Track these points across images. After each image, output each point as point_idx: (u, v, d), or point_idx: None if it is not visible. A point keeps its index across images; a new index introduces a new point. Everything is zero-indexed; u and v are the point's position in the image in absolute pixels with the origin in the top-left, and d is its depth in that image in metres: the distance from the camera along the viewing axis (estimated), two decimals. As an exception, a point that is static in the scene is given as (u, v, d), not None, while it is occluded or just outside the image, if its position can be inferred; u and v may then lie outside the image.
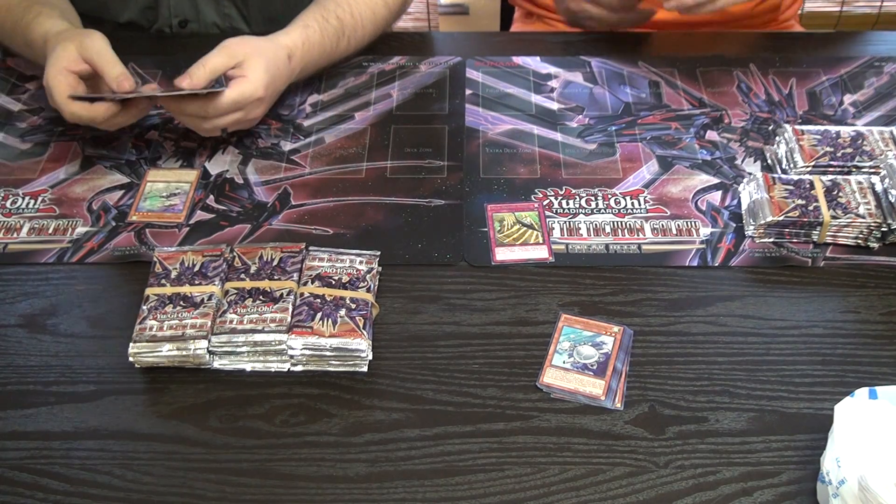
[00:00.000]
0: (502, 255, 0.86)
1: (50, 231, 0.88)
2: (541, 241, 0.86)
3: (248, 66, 0.91)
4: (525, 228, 0.88)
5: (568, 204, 0.90)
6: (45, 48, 0.93)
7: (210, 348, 0.73)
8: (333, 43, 1.03)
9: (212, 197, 0.92)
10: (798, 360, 0.75)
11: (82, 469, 0.68)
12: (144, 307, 0.76)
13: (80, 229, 0.88)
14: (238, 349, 0.74)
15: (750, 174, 0.91)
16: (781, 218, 0.83)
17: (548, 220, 0.88)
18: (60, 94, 0.88)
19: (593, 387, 0.73)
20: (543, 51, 1.12)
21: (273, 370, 0.75)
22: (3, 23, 1.02)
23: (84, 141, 0.98)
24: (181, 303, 0.76)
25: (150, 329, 0.74)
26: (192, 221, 0.89)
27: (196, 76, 0.88)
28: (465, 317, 0.79)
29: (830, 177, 0.87)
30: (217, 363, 0.75)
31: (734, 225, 0.87)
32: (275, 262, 0.79)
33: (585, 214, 0.88)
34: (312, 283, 0.77)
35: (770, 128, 0.99)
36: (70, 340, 0.78)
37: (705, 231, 0.87)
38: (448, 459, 0.69)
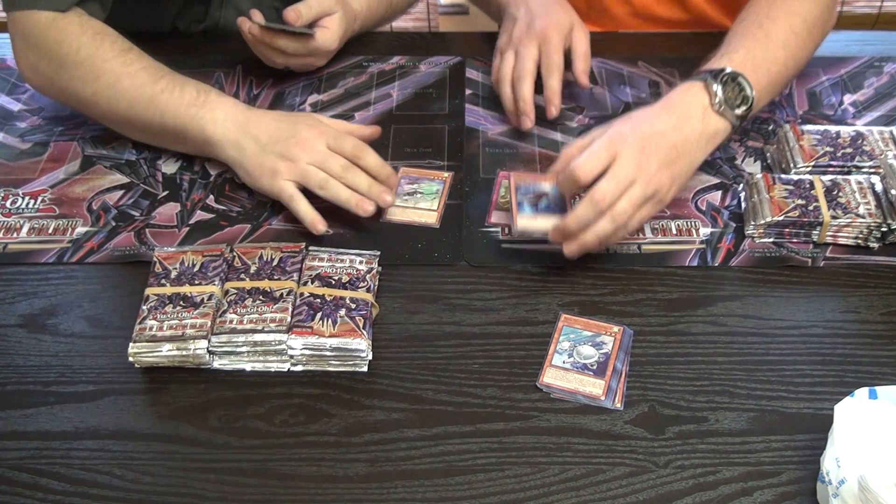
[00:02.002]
0: (497, 218, 0.89)
1: (50, 231, 0.88)
2: None
3: (333, 20, 0.99)
4: None
5: (568, 204, 0.89)
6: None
7: (210, 348, 0.73)
8: (382, 12, 1.12)
9: (212, 197, 0.91)
10: (798, 360, 0.75)
11: (82, 469, 0.68)
12: (144, 307, 0.76)
13: (80, 229, 0.88)
14: (238, 349, 0.74)
15: (750, 174, 0.91)
16: (781, 218, 0.83)
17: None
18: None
19: (593, 387, 0.73)
20: (543, 51, 1.12)
21: (273, 370, 0.75)
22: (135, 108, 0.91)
23: (84, 141, 0.98)
24: (181, 303, 0.76)
25: (150, 329, 0.74)
26: (192, 221, 0.89)
27: (304, 17, 0.96)
28: (465, 317, 0.79)
29: (830, 177, 0.87)
30: (217, 363, 0.75)
31: (734, 225, 0.87)
32: (275, 262, 0.79)
33: (585, 214, 0.88)
34: (312, 282, 0.77)
35: (770, 128, 0.99)
36: (70, 340, 0.78)
37: (705, 231, 0.87)
38: (448, 459, 0.69)
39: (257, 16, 0.97)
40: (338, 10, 0.99)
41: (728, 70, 0.83)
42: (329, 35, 0.99)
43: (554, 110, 0.96)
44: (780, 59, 0.89)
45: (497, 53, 1.01)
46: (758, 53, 0.87)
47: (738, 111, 0.83)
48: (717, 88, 0.82)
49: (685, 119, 0.82)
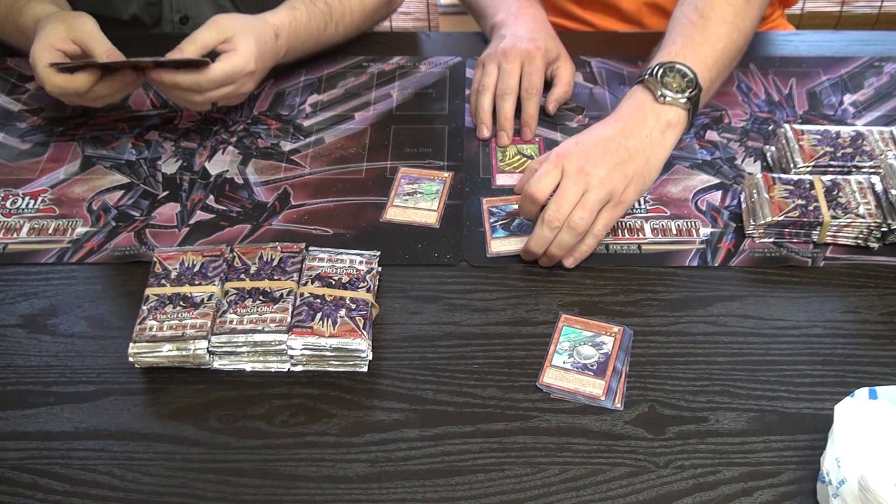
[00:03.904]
0: (502, 180, 0.92)
1: (50, 231, 0.88)
2: None
3: (238, 41, 0.93)
4: (525, 159, 0.93)
5: (568, 204, 0.90)
6: (35, 32, 0.93)
7: (210, 348, 0.73)
8: (321, 26, 1.05)
9: (212, 197, 0.91)
10: (798, 360, 0.75)
11: (82, 469, 0.68)
12: (144, 307, 0.76)
13: (80, 229, 0.88)
14: (238, 349, 0.74)
15: (750, 174, 0.91)
16: (781, 218, 0.83)
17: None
18: (43, 64, 0.89)
19: (593, 387, 0.73)
20: (543, 51, 1.12)
21: (273, 370, 0.75)
22: None
23: (84, 141, 0.98)
24: (181, 303, 0.75)
25: (150, 329, 0.74)
26: (192, 221, 0.89)
27: (185, 50, 0.90)
28: (465, 317, 0.79)
29: (830, 177, 0.87)
30: (217, 363, 0.75)
31: (734, 225, 0.87)
32: (275, 263, 0.79)
33: (585, 214, 0.88)
34: (312, 283, 0.77)
35: (770, 128, 0.99)
36: (70, 340, 0.78)
37: (705, 231, 0.87)
38: (448, 459, 0.69)
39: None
40: (236, 29, 0.93)
41: (662, 62, 0.86)
42: (240, 57, 0.92)
43: (529, 133, 0.98)
44: (723, 33, 0.90)
45: (479, 65, 1.02)
46: (696, 37, 0.89)
47: (686, 94, 0.85)
48: (656, 83, 0.85)
49: (633, 121, 0.84)
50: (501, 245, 0.85)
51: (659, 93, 0.85)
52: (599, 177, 0.80)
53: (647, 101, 0.85)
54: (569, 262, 0.83)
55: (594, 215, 0.80)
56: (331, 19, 1.06)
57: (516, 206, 0.87)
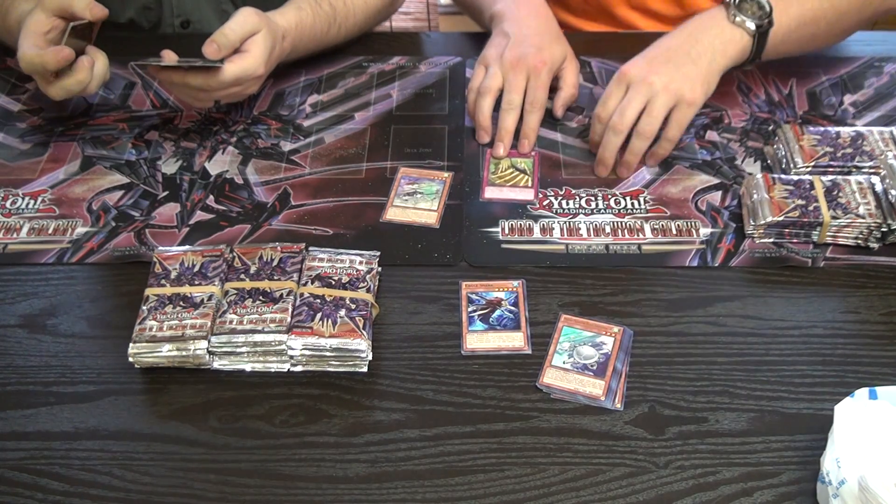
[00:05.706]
0: (490, 193, 0.91)
1: (50, 231, 0.88)
2: (529, 186, 0.91)
3: (256, 42, 0.92)
4: (518, 173, 0.93)
5: (568, 204, 0.90)
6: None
7: (210, 349, 0.73)
8: (324, 28, 1.04)
9: (212, 197, 0.91)
10: (798, 360, 0.75)
11: (82, 469, 0.68)
12: (144, 307, 0.76)
13: (80, 230, 0.88)
14: (238, 349, 0.74)
15: (750, 174, 0.91)
16: (781, 218, 0.83)
17: (548, 220, 0.88)
18: (28, 57, 0.88)
19: (593, 387, 0.73)
20: (543, 51, 1.12)
21: (273, 370, 0.75)
22: None
23: (84, 141, 0.98)
24: (181, 303, 0.75)
25: (150, 329, 0.74)
26: (191, 222, 0.89)
27: (224, 46, 0.90)
28: (465, 317, 0.79)
29: (830, 177, 0.87)
30: (217, 363, 0.75)
31: (734, 225, 0.87)
32: (275, 263, 0.79)
33: (585, 214, 0.88)
34: (312, 283, 0.77)
35: (770, 128, 0.99)
36: (70, 340, 0.78)
37: (705, 231, 0.87)
38: (448, 460, 0.69)
39: (168, 56, 0.91)
40: (261, 29, 0.92)
41: None
42: (252, 61, 0.91)
43: (528, 146, 0.96)
44: None
45: (481, 64, 0.99)
46: None
47: (755, 21, 0.90)
48: (732, 4, 0.90)
49: (700, 28, 0.91)
50: (478, 341, 0.76)
51: (732, 11, 0.90)
52: (664, 83, 0.87)
53: (719, 16, 0.91)
54: (651, 163, 0.91)
55: (661, 120, 0.87)
56: (334, 21, 1.05)
57: (496, 295, 0.80)
